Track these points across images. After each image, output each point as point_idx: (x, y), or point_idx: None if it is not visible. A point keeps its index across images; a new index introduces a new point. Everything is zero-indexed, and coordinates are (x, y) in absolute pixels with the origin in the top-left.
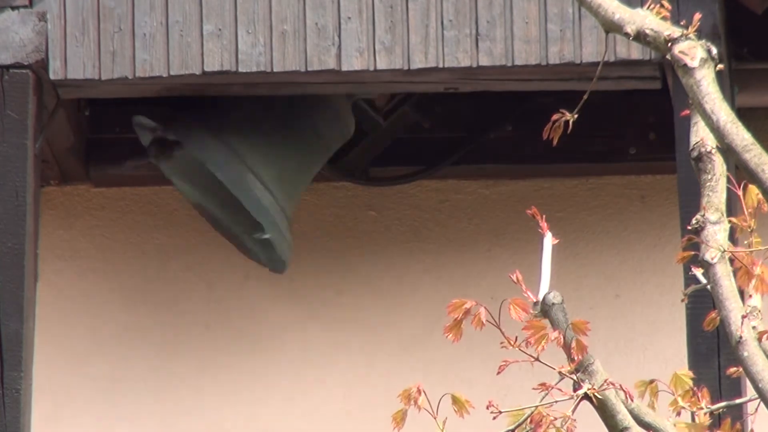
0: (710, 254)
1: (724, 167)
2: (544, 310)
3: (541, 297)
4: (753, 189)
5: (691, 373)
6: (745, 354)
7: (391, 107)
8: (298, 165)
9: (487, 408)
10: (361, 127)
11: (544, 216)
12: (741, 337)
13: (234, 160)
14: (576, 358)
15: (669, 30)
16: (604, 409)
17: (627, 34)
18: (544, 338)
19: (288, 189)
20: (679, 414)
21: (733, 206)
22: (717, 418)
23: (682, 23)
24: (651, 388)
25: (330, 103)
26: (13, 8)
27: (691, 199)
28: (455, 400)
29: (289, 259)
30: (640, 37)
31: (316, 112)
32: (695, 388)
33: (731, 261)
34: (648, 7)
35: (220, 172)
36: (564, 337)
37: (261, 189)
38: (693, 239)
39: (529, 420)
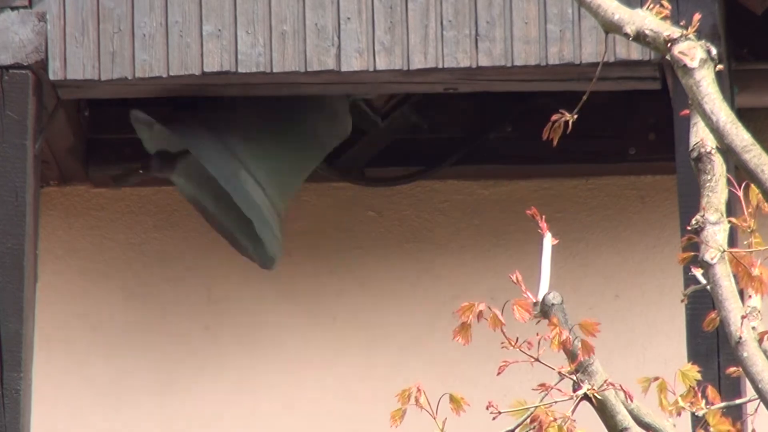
0: (710, 255)
1: (724, 168)
2: (544, 310)
3: (540, 297)
4: (754, 189)
5: (697, 367)
6: (745, 354)
7: (390, 108)
8: (292, 163)
9: (487, 408)
10: (359, 128)
11: (543, 216)
12: (740, 338)
13: (227, 156)
14: (581, 358)
15: (668, 30)
16: (603, 410)
17: (626, 35)
18: (555, 338)
19: (281, 187)
20: (679, 414)
21: (733, 207)
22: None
23: (681, 23)
24: (660, 384)
25: (327, 103)
26: (13, 8)
27: (691, 200)
28: (452, 399)
29: (279, 256)
30: (639, 37)
31: (313, 111)
32: (697, 388)
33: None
34: (648, 8)
35: (213, 168)
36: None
37: (254, 185)
38: (693, 239)
39: (529, 420)
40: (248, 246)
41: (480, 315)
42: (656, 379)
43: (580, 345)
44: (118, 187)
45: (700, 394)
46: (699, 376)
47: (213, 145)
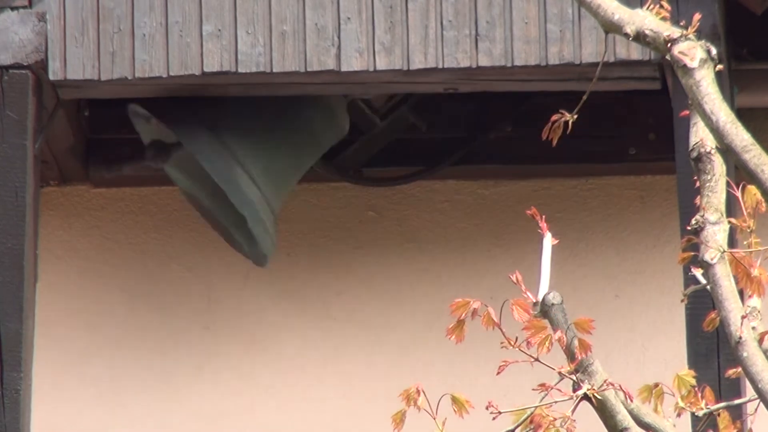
0: (710, 255)
1: (724, 168)
2: (544, 310)
3: (540, 297)
4: (751, 189)
5: (693, 372)
6: (745, 354)
7: (390, 107)
8: (288, 161)
9: (487, 408)
10: (358, 127)
11: (543, 216)
12: (740, 338)
13: (222, 152)
14: (579, 357)
15: (668, 30)
16: (603, 410)
17: (626, 35)
18: (547, 339)
19: (277, 184)
20: (680, 415)
21: (732, 207)
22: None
23: (681, 23)
24: (656, 392)
25: (325, 102)
26: (13, 8)
27: (690, 200)
28: (455, 400)
29: (272, 254)
30: (639, 37)
31: (310, 110)
32: (696, 389)
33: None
34: (648, 8)
35: (207, 163)
36: (565, 337)
37: (248, 182)
38: (692, 240)
39: (529, 420)
40: (243, 243)
41: (474, 313)
42: (656, 385)
43: (577, 344)
44: (114, 174)
45: (700, 395)
46: (694, 382)
47: (208, 141)
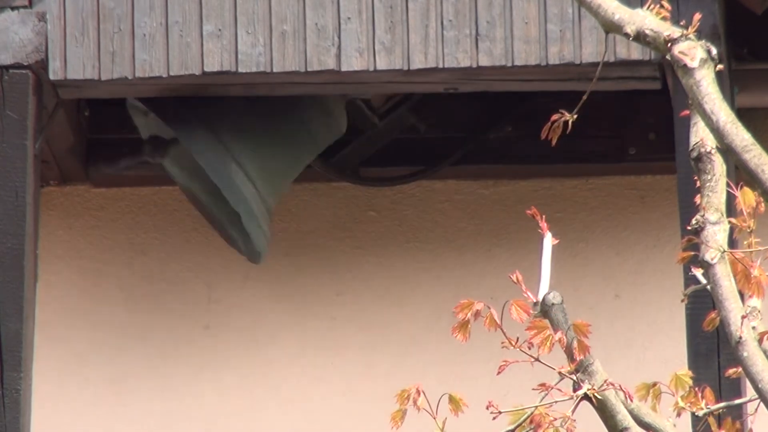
0: (710, 255)
1: (724, 168)
2: (544, 310)
3: (540, 297)
4: (747, 191)
5: (690, 373)
6: (745, 354)
7: (389, 107)
8: (285, 159)
9: (487, 408)
10: (357, 126)
11: (544, 216)
12: (741, 338)
13: (218, 148)
14: (577, 358)
15: (669, 30)
16: (603, 410)
17: (627, 35)
18: (548, 339)
19: (273, 182)
20: (679, 415)
21: (732, 207)
22: (717, 419)
23: (681, 23)
24: (653, 390)
25: (322, 101)
26: (13, 8)
27: (690, 200)
28: (451, 399)
29: (266, 252)
30: (639, 37)
31: (308, 109)
32: (696, 389)
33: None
34: (648, 8)
35: (203, 159)
36: (565, 338)
37: (244, 179)
38: (693, 240)
39: (529, 420)
40: (238, 239)
41: (477, 314)
42: (654, 384)
43: (576, 345)
44: (117, 173)
45: (700, 395)
46: (691, 382)
47: (204, 137)
